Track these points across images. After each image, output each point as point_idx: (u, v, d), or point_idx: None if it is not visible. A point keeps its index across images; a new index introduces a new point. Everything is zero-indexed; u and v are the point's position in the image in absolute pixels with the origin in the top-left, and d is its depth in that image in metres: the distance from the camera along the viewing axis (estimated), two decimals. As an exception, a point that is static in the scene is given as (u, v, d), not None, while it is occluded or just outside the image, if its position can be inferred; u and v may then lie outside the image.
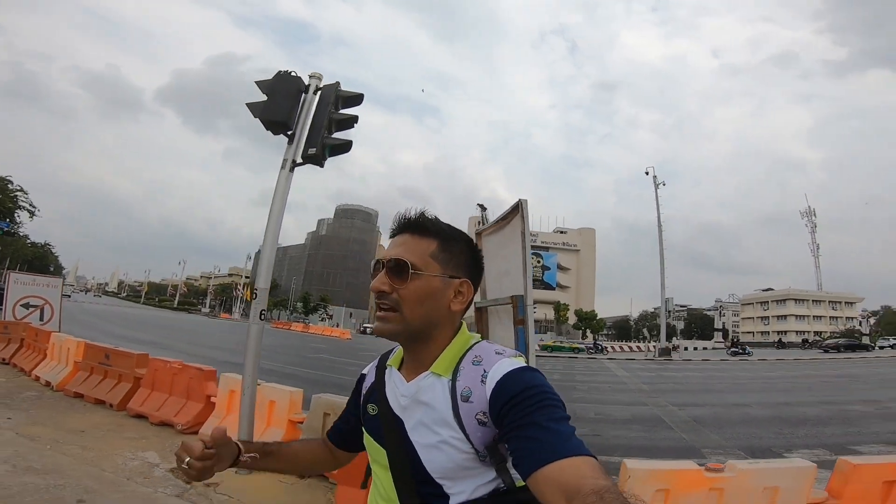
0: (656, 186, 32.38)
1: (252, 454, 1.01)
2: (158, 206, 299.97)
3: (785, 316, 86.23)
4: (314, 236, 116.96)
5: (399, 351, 1.01)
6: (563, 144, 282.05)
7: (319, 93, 4.59)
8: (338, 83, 4.53)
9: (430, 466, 0.85)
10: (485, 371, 0.84)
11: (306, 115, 4.48)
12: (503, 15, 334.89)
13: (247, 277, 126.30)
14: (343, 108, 4.59)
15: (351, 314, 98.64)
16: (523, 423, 0.75)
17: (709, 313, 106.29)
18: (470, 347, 0.92)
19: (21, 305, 10.84)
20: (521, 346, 3.10)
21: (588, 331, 67.30)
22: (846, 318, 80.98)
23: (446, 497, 0.85)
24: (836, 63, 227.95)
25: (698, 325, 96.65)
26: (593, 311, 73.54)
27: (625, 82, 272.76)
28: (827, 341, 48.45)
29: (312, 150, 4.24)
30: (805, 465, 3.26)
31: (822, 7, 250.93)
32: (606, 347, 43.42)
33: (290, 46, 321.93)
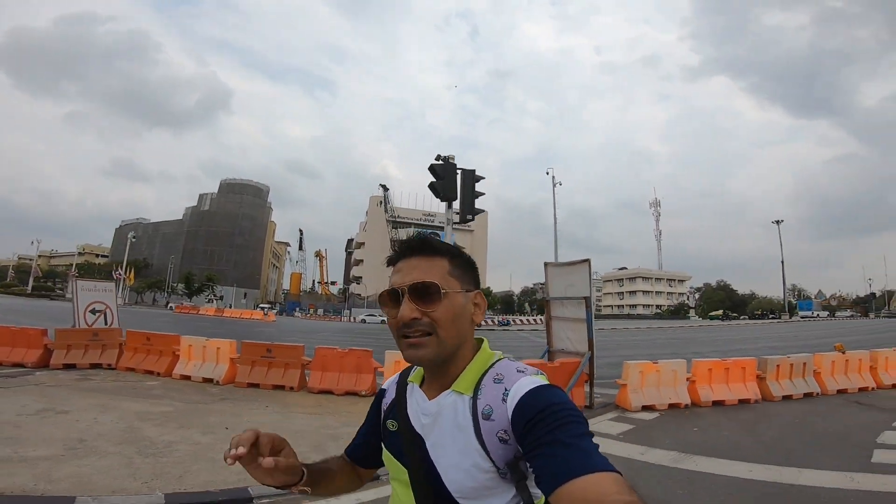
0: (554, 186, 39.19)
1: (305, 488, 0.94)
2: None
3: (635, 291, 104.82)
4: (195, 211, 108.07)
5: (420, 368, 1.01)
6: (457, 126, 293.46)
7: (460, 172, 8.31)
8: (474, 170, 8.33)
9: (451, 486, 0.85)
10: (506, 389, 0.85)
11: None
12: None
13: (104, 256, 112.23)
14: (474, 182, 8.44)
15: (245, 294, 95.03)
16: (545, 440, 0.75)
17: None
18: (491, 365, 0.92)
19: (89, 311, 11.41)
20: (589, 320, 7.43)
21: (483, 307, 75.38)
22: (678, 293, 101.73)
23: None
24: (690, 68, 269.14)
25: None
26: (488, 287, 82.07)
27: (518, 71, 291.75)
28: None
29: (470, 218, 8.01)
30: (683, 361, 8.21)
31: (690, 14, 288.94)
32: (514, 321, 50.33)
33: (164, 6, 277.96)
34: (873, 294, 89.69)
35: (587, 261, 7.61)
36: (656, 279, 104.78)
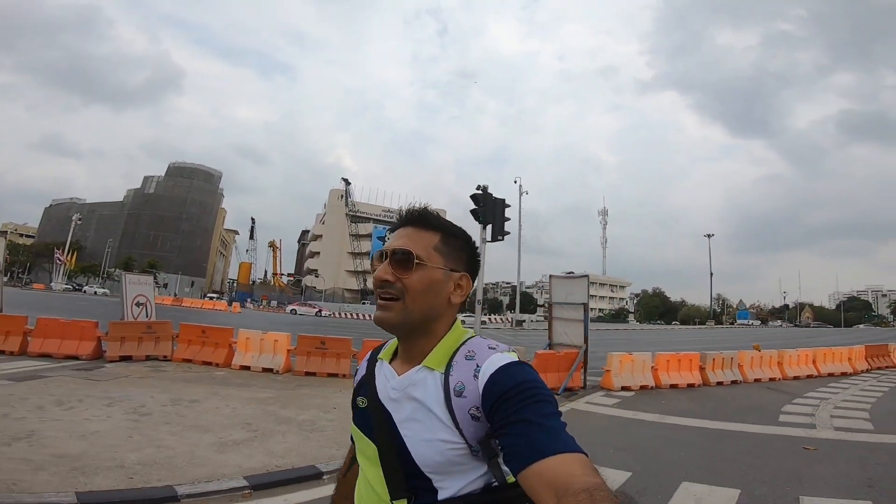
0: (520, 195, 41.94)
1: None
2: None
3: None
4: (138, 194, 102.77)
5: (391, 344, 1.03)
6: (415, 121, 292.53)
7: (494, 200, 10.32)
8: (504, 199, 10.35)
9: (420, 460, 0.85)
10: (478, 366, 0.85)
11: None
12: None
13: (30, 236, 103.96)
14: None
15: (192, 283, 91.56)
16: (514, 418, 0.76)
17: (528, 290, 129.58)
18: (463, 342, 0.93)
19: (135, 304, 11.46)
20: (586, 321, 9.68)
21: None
22: (619, 298, 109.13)
23: (435, 491, 0.85)
24: (643, 81, 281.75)
25: (520, 299, 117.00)
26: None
27: (481, 71, 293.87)
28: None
29: (500, 238, 10.01)
30: (650, 353, 10.70)
31: (651, 29, 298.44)
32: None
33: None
34: (787, 305, 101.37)
35: (586, 276, 9.87)
36: (600, 284, 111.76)
